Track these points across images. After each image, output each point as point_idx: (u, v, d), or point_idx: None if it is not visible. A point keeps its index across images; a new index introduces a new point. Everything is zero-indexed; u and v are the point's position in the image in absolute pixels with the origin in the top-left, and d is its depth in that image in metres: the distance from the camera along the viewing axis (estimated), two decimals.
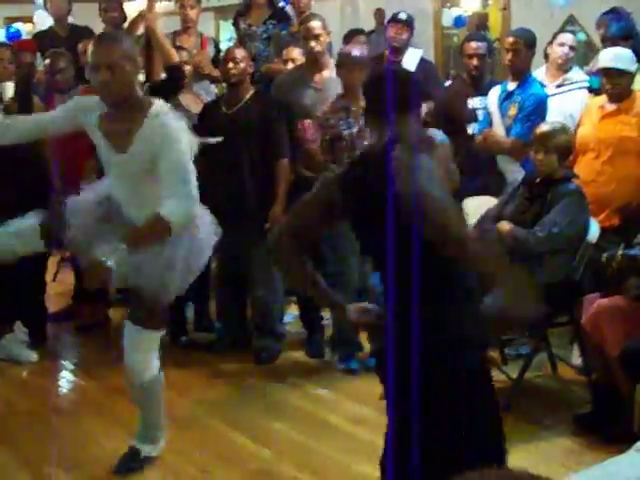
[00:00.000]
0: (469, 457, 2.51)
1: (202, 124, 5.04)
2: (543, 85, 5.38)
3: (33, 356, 5.42)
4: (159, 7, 5.57)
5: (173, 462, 4.03)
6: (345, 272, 4.97)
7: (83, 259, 3.66)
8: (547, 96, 5.26)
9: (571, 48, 5.51)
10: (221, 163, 5.04)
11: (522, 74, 5.26)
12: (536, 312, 2.66)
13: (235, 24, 6.86)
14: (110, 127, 3.57)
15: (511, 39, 5.34)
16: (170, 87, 5.14)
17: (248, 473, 3.94)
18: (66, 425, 4.52)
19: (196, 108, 5.38)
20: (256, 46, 6.48)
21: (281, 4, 7.11)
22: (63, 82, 5.75)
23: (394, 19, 6.15)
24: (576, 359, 4.79)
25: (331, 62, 5.42)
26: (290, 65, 5.76)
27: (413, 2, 8.53)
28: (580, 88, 5.46)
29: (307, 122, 4.94)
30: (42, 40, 6.81)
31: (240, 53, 5.21)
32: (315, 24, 5.33)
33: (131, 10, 6.88)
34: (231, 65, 5.12)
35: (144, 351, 3.77)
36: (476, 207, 4.57)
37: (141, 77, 5.27)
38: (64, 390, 5.13)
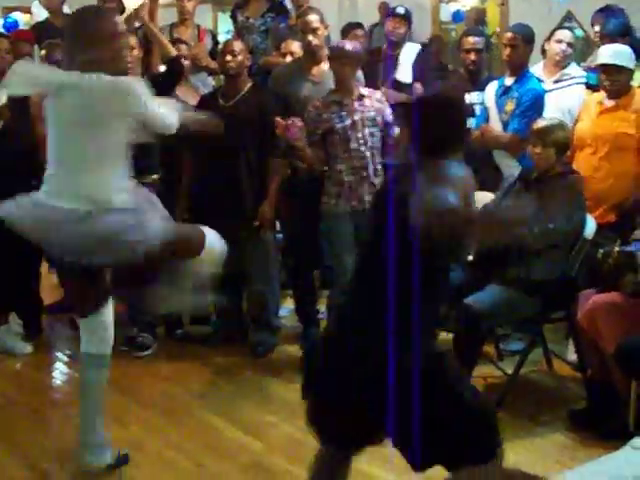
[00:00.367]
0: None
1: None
2: (540, 81, 5.38)
3: (27, 348, 5.41)
4: None
5: (167, 455, 4.02)
6: (338, 270, 4.95)
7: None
8: (544, 92, 5.25)
9: (568, 45, 5.50)
10: (218, 155, 5.03)
11: (520, 69, 5.26)
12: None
13: (233, 17, 6.85)
14: None
15: (509, 34, 5.33)
16: (170, 80, 5.13)
17: (241, 466, 3.94)
18: (60, 418, 4.52)
19: (193, 101, 5.36)
20: (254, 39, 6.47)
21: None
22: None
23: (392, 13, 6.17)
24: (571, 355, 4.79)
25: None
26: (289, 58, 5.75)
27: None
28: (577, 84, 5.46)
29: (292, 121, 4.88)
30: (39, 31, 6.78)
31: (238, 46, 5.20)
32: (313, 17, 5.32)
33: (129, 1, 6.85)
34: (229, 57, 5.11)
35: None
36: None
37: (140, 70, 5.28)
38: (58, 382, 5.12)
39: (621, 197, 4.90)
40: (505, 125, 5.22)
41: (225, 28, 9.59)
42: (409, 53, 6.13)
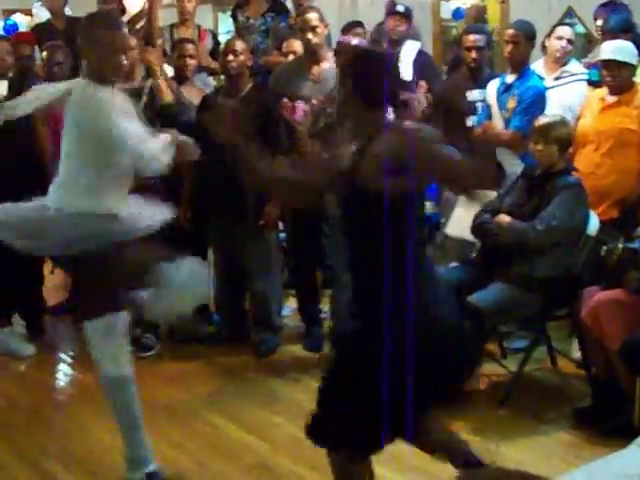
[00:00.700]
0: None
1: (201, 116, 5.02)
2: (541, 78, 5.37)
3: (31, 349, 5.41)
4: None
5: (170, 455, 4.01)
6: (340, 270, 4.94)
7: None
8: (546, 89, 5.24)
9: (569, 41, 5.49)
10: (219, 155, 5.01)
11: (521, 67, 5.25)
12: None
13: (233, 16, 6.86)
14: None
15: (511, 31, 5.32)
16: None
17: (245, 466, 3.93)
18: (64, 419, 4.52)
19: (198, 100, 5.36)
20: (254, 39, 6.48)
21: None
22: (61, 75, 5.72)
23: (393, 11, 6.16)
24: (576, 352, 4.77)
25: (329, 54, 5.40)
26: (291, 57, 5.74)
27: None
28: (579, 81, 5.45)
29: (300, 103, 4.90)
30: (40, 33, 6.77)
31: (240, 45, 5.20)
32: (312, 16, 5.31)
33: (129, 3, 6.84)
34: (231, 57, 5.11)
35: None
36: None
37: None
38: (62, 383, 5.12)
39: (624, 193, 4.89)
40: (507, 122, 5.20)
41: (225, 28, 9.57)
42: (409, 51, 6.12)
